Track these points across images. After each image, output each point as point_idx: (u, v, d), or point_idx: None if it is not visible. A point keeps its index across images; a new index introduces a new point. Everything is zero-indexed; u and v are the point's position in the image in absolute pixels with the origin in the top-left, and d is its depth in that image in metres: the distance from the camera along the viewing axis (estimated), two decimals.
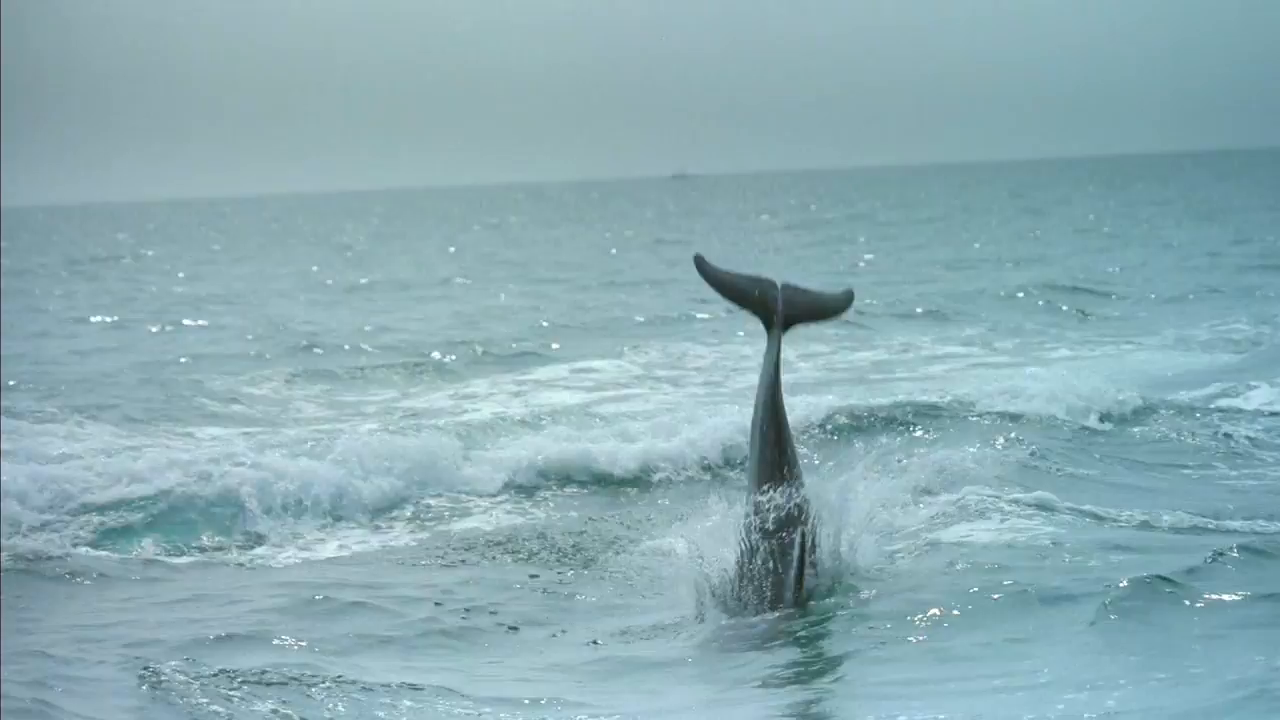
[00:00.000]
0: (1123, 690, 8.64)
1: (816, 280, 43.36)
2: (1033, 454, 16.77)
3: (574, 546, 13.95)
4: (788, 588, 10.61)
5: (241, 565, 14.03)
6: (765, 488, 10.67)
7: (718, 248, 62.24)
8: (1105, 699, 8.48)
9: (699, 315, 34.71)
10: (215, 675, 9.40)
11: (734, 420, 17.19)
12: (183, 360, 28.59)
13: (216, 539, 15.00)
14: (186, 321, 37.19)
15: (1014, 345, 28.48)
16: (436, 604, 11.82)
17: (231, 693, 9.13)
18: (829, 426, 19.03)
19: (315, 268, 60.37)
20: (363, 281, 51.07)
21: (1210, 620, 9.94)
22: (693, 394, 23.22)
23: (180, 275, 57.36)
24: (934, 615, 10.36)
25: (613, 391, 23.90)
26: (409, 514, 16.01)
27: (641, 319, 34.58)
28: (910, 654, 9.82)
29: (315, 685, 9.37)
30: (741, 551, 10.63)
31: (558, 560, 13.47)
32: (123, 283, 53.15)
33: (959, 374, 24.47)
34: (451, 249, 74.34)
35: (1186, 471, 16.48)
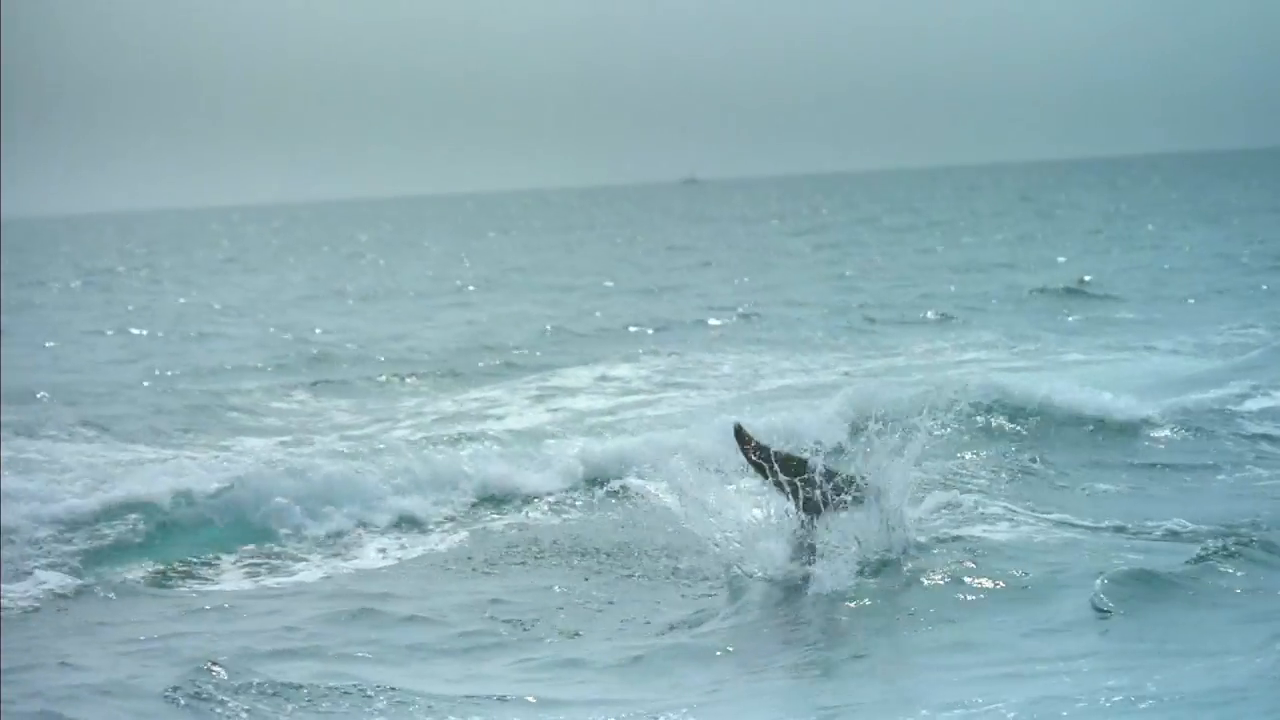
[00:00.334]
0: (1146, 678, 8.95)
1: (829, 287, 43.58)
2: (1041, 458, 17.07)
3: (618, 547, 14.03)
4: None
5: (287, 575, 14.09)
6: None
7: (728, 255, 62.43)
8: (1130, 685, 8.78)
9: (711, 322, 34.99)
10: (268, 686, 9.54)
11: (769, 420, 17.47)
12: (205, 372, 28.72)
13: (260, 548, 15.00)
14: (204, 332, 37.32)
15: (1034, 349, 28.55)
16: (487, 615, 11.89)
17: (287, 703, 9.29)
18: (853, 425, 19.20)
19: (331, 276, 60.56)
20: (380, 289, 51.26)
21: (1228, 613, 10.29)
22: (716, 398, 23.28)
23: (195, 285, 57.50)
24: (952, 606, 10.75)
25: (640, 396, 24.00)
26: (451, 522, 16.04)
27: (656, 326, 34.76)
28: (934, 642, 10.17)
29: (375, 696, 9.47)
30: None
31: (603, 564, 13.55)
32: (137, 294, 53.25)
33: (980, 378, 24.58)
34: (464, 256, 74.47)
35: (1204, 472, 16.65)
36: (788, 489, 11.67)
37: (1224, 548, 11.64)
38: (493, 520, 15.95)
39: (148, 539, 15.10)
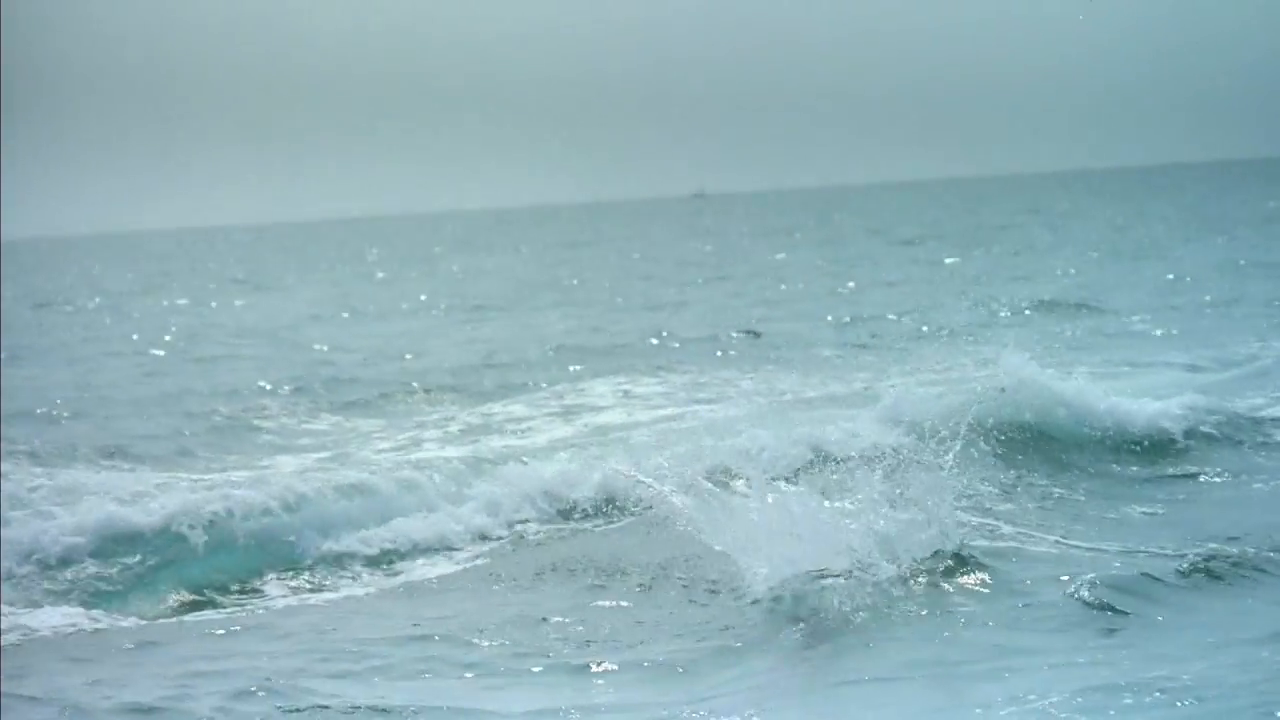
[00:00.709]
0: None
1: (839, 300, 43.56)
2: (1074, 467, 17.20)
3: (668, 561, 13.95)
4: None
5: (334, 593, 14.16)
6: None
7: (738, 270, 62.54)
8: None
9: (726, 337, 35.12)
10: (317, 708, 9.61)
11: (803, 432, 17.68)
12: (225, 391, 28.86)
13: (305, 567, 15.05)
14: (217, 354, 37.41)
15: (1051, 362, 28.56)
16: (543, 631, 11.87)
17: None
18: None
19: (342, 294, 60.70)
20: (392, 307, 51.41)
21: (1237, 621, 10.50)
22: (743, 410, 23.32)
23: (208, 305, 57.67)
24: (967, 618, 10.93)
25: (664, 411, 24.05)
26: (492, 538, 16.08)
27: (672, 341, 34.90)
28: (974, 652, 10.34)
29: (430, 715, 9.53)
30: None
31: (654, 579, 13.52)
32: (154, 315, 53.41)
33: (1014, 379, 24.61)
34: (476, 272, 74.65)
35: (1217, 480, 16.80)
36: None
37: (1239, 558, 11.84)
38: (540, 535, 16.02)
39: (189, 559, 15.13)
